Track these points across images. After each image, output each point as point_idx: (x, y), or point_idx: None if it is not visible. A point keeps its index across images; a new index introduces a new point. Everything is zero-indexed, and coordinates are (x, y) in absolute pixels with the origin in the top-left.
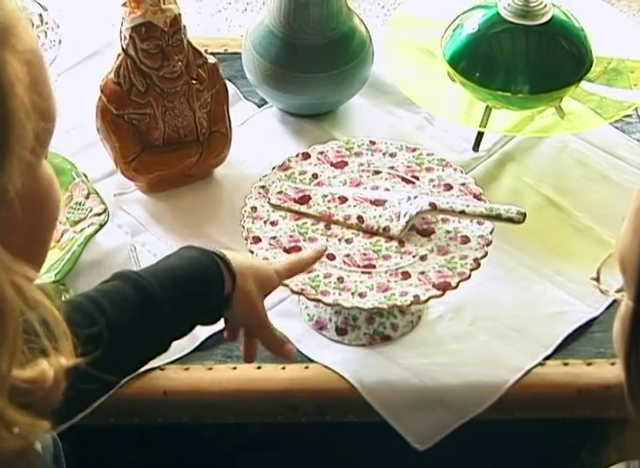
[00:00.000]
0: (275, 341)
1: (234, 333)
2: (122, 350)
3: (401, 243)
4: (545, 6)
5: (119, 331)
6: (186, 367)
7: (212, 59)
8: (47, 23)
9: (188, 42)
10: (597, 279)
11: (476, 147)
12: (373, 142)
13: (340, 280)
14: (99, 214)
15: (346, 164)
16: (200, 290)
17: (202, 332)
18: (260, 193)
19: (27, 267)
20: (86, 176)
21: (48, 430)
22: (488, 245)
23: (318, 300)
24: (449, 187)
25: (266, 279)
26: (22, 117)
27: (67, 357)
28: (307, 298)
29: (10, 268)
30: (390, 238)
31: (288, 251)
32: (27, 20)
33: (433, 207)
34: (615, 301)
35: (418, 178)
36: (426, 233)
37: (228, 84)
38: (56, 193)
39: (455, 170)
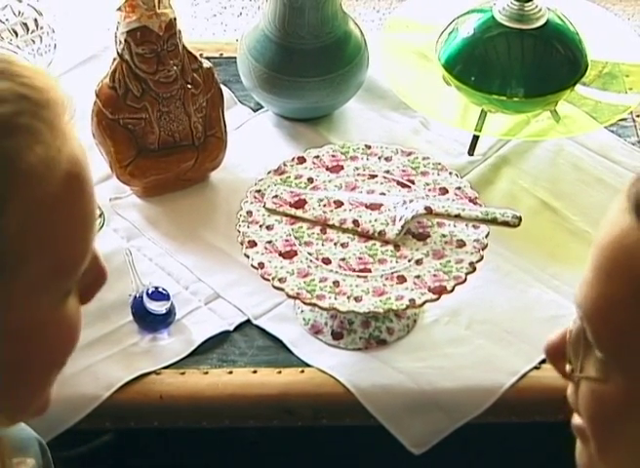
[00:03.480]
0: None
1: None
2: None
3: (397, 247)
4: (540, 10)
5: None
6: (182, 371)
7: (207, 64)
8: (42, 28)
9: (184, 46)
10: None
11: (472, 151)
12: (368, 146)
13: (336, 284)
14: None
15: (342, 168)
16: None
17: (198, 337)
18: (255, 197)
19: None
20: None
21: None
22: (483, 248)
23: (314, 304)
24: (444, 191)
25: None
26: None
27: None
28: (303, 302)
29: None
30: (386, 242)
31: (283, 255)
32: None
33: (429, 211)
34: None
35: (413, 182)
36: (422, 237)
37: (224, 88)
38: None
39: (450, 173)
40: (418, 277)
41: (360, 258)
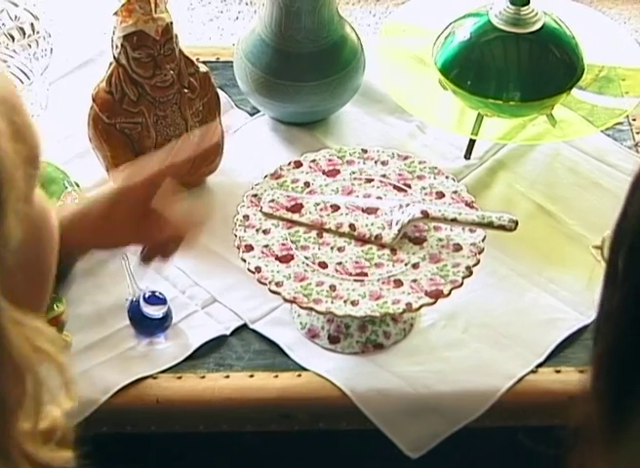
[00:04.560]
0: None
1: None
2: None
3: (393, 251)
4: (537, 14)
5: None
6: (179, 375)
7: (203, 68)
8: (38, 32)
9: (180, 51)
10: (601, 248)
11: (468, 155)
12: (365, 150)
13: (333, 288)
14: None
15: (338, 172)
16: None
17: (194, 341)
18: (252, 201)
19: (33, 316)
20: (78, 186)
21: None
22: (480, 252)
23: (310, 309)
24: (441, 195)
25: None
26: (11, 170)
27: (71, 402)
28: (300, 307)
29: (20, 323)
30: (382, 246)
31: (280, 259)
32: None
33: (425, 215)
34: None
35: (409, 186)
36: (418, 241)
37: (220, 92)
38: (50, 227)
39: (447, 177)
40: (414, 281)
41: (357, 262)
